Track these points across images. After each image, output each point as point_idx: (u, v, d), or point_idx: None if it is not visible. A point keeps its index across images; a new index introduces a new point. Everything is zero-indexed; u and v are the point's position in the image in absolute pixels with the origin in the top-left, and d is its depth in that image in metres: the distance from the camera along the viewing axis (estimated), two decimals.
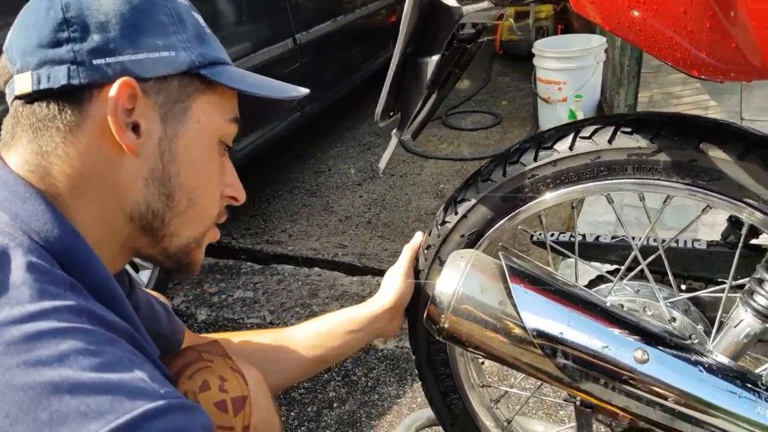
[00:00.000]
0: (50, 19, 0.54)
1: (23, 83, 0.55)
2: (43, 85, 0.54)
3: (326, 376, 1.66)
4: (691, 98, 3.03)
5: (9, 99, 0.57)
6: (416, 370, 1.11)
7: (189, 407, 0.49)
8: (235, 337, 0.92)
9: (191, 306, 2.01)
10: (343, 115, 3.46)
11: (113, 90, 0.54)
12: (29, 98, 0.55)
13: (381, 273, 2.19)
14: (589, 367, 0.70)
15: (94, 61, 0.54)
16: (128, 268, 1.82)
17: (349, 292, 2.04)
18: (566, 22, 4.00)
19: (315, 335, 0.95)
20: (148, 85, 0.56)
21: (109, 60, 0.54)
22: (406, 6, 0.75)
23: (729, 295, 0.82)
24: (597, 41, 2.89)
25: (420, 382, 1.15)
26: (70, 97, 0.55)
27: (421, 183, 2.73)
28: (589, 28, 3.24)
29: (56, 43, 0.54)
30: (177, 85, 0.58)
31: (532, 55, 3.03)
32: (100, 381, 0.44)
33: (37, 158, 0.55)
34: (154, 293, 0.87)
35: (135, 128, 0.56)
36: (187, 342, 0.86)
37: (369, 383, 1.63)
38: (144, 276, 1.82)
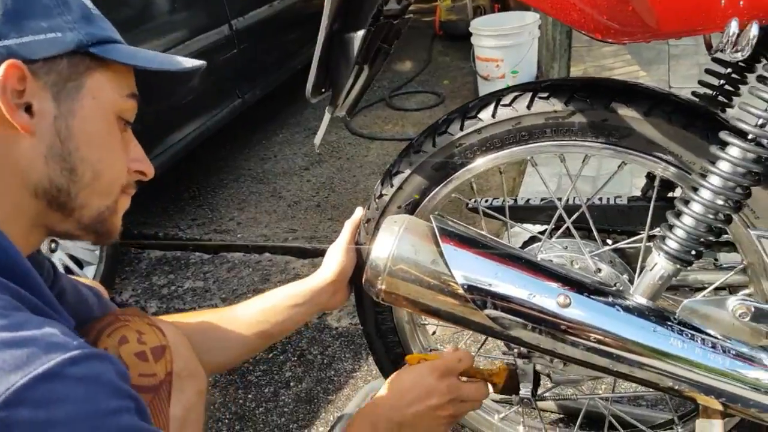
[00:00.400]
0: None
1: None
2: None
3: (282, 357, 1.68)
4: (623, 69, 3.16)
5: None
6: (366, 342, 1.15)
7: (103, 355, 0.52)
8: (181, 318, 0.93)
9: (141, 299, 1.98)
10: (285, 101, 3.44)
11: (0, 73, 0.55)
12: None
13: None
14: (517, 314, 0.75)
15: None
16: (71, 264, 1.78)
17: (301, 275, 2.05)
18: (503, 1, 4.09)
19: (259, 311, 0.97)
20: (36, 66, 0.58)
21: None
22: None
23: (647, 244, 0.89)
24: (531, 18, 2.98)
25: (372, 355, 1.19)
26: None
27: (369, 164, 2.76)
28: (525, 6, 3.32)
29: None
30: (67, 65, 0.60)
31: (471, 35, 3.09)
32: (12, 338, 0.47)
33: None
34: (85, 281, 0.89)
35: (28, 109, 0.58)
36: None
37: (325, 360, 1.66)
38: (89, 272, 1.79)
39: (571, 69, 2.54)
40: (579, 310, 0.74)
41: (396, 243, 0.77)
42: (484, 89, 3.16)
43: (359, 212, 1.07)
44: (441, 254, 0.76)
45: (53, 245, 1.71)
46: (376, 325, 1.11)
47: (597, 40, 0.71)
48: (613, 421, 1.12)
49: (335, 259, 1.01)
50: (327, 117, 0.94)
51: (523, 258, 0.79)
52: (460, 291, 0.75)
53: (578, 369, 0.95)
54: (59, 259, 1.75)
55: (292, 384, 1.59)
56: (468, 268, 0.75)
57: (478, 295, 0.74)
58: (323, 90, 0.92)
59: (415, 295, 0.77)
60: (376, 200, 1.00)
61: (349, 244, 1.03)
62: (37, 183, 0.60)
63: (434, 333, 1.17)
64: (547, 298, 0.74)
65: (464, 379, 0.89)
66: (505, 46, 2.94)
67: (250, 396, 1.56)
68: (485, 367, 0.97)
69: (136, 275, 2.11)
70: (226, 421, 1.50)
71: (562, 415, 1.35)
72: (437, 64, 3.92)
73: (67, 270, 1.77)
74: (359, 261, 1.03)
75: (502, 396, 1.08)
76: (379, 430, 0.83)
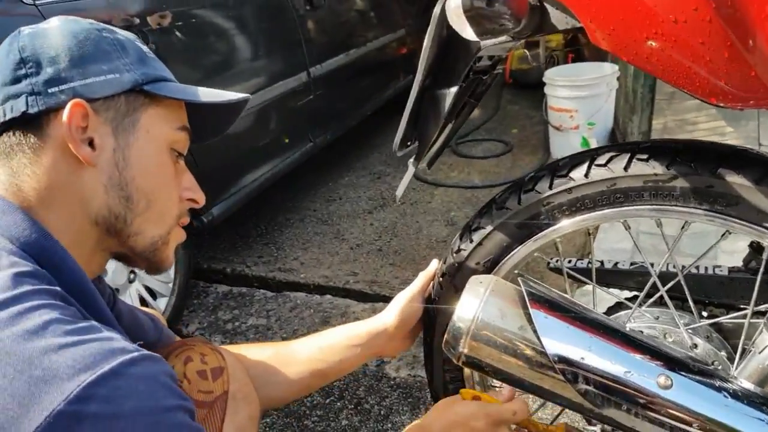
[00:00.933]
0: (10, 60, 0.63)
1: None
2: (8, 116, 0.62)
3: (339, 404, 1.65)
4: (707, 125, 3.03)
5: None
6: (432, 399, 1.10)
7: (158, 358, 0.56)
8: (238, 349, 0.95)
9: (206, 333, 2.01)
10: (353, 145, 3.50)
11: (66, 112, 0.62)
12: None
13: (392, 300, 2.19)
14: (612, 392, 0.69)
15: (49, 90, 0.62)
16: (146, 295, 1.83)
17: (360, 320, 2.03)
18: (577, 51, 4.05)
19: (316, 349, 0.98)
20: (98, 104, 0.64)
21: (61, 87, 0.62)
22: (426, 40, 0.77)
23: (751, 321, 0.82)
24: (609, 69, 2.92)
25: None
26: (31, 123, 0.63)
27: (432, 211, 2.74)
28: (600, 56, 3.28)
29: (16, 80, 0.62)
30: (124, 102, 0.66)
31: (542, 84, 3.07)
32: (81, 340, 0.52)
33: (10, 179, 0.63)
34: (146, 309, 0.95)
35: (91, 143, 0.64)
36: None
37: (382, 411, 1.62)
38: (161, 303, 1.83)
39: (653, 122, 2.45)
40: (682, 393, 0.68)
41: (482, 306, 0.73)
42: (555, 139, 3.10)
43: (434, 265, 1.04)
44: (530, 320, 0.72)
45: (132, 275, 1.77)
46: (444, 384, 1.06)
47: (711, 104, 0.67)
48: None
49: (400, 306, 1.00)
50: (411, 170, 0.93)
51: (620, 331, 0.73)
52: (549, 362, 0.70)
53: None
54: (136, 289, 1.80)
55: None
56: (559, 338, 0.70)
57: (570, 368, 0.69)
58: (408, 143, 0.92)
59: (499, 362, 0.73)
60: (454, 255, 0.97)
61: (418, 295, 1.01)
62: (97, 211, 0.65)
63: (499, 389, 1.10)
64: (647, 377, 0.68)
65: (514, 428, 0.84)
66: (580, 97, 2.89)
67: None
68: (542, 422, 0.90)
69: (203, 309, 2.15)
70: None
71: None
72: (506, 113, 3.91)
73: (142, 300, 1.82)
74: (429, 315, 1.00)
75: None
76: None
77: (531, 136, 3.48)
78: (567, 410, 0.90)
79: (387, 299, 2.18)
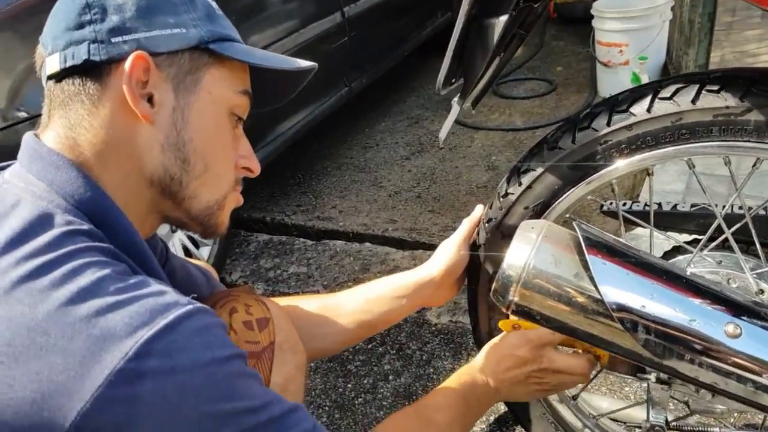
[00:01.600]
0: (75, 5, 0.61)
1: (53, 64, 0.61)
2: (69, 63, 0.60)
3: (381, 349, 1.66)
4: None
5: (43, 81, 0.64)
6: (476, 346, 1.08)
7: (209, 310, 0.56)
8: (285, 301, 0.95)
9: (249, 281, 2.04)
10: (390, 89, 3.41)
11: (128, 63, 0.59)
12: (58, 77, 0.61)
13: (432, 247, 2.16)
14: (674, 342, 0.65)
15: (113, 39, 0.60)
16: (189, 244, 1.86)
17: (400, 267, 2.02)
18: None
19: (363, 301, 0.97)
20: (160, 59, 0.61)
21: (125, 38, 0.60)
22: None
23: None
24: None
25: None
26: (92, 72, 0.60)
27: (472, 155, 2.67)
28: None
29: (80, 26, 0.60)
30: (188, 59, 0.63)
31: (590, 17, 2.89)
32: (136, 296, 0.52)
33: (67, 131, 0.61)
34: (197, 262, 0.95)
35: (150, 99, 0.61)
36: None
37: (424, 357, 1.62)
38: (204, 252, 1.86)
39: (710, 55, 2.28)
40: (752, 341, 0.64)
41: (534, 252, 0.69)
42: (603, 77, 2.94)
43: (479, 210, 1.01)
44: (586, 267, 0.68)
45: (173, 226, 1.79)
46: (489, 332, 1.04)
47: None
48: None
49: (446, 255, 0.97)
50: (456, 109, 0.87)
51: (683, 277, 0.69)
52: (607, 311, 0.66)
53: (729, 402, 0.83)
54: (179, 239, 1.83)
55: (390, 377, 1.57)
56: (618, 285, 0.66)
57: (629, 316, 0.65)
58: (453, 81, 0.86)
59: (551, 311, 0.70)
60: (501, 199, 0.93)
61: (464, 242, 0.99)
62: (153, 171, 0.63)
63: None
64: (714, 325, 0.64)
65: (567, 350, 0.83)
66: (631, 30, 2.70)
67: (349, 386, 1.56)
68: None
69: (245, 257, 2.18)
70: (327, 408, 1.50)
71: None
72: (550, 49, 3.71)
73: (185, 249, 1.85)
74: (473, 262, 0.97)
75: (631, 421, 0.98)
76: (477, 386, 0.84)
77: (577, 73, 3.31)
78: None
79: (426, 246, 2.17)
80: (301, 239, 2.26)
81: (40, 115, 0.65)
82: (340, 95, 2.53)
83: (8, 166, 0.64)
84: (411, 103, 3.31)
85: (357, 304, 0.97)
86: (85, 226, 0.57)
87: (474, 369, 0.86)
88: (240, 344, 0.74)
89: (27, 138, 0.63)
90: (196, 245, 1.86)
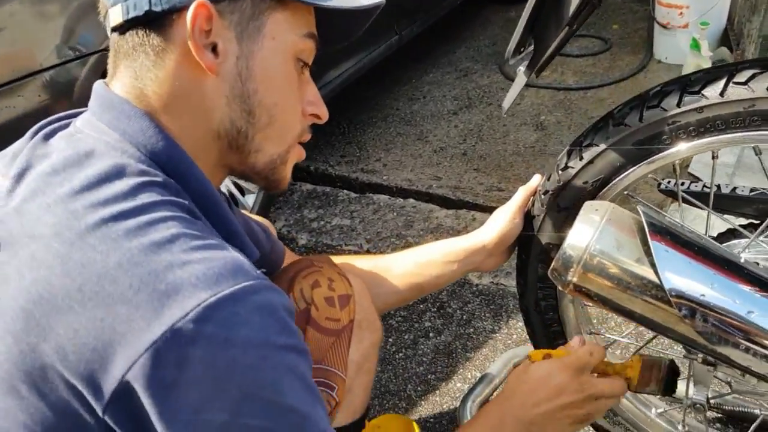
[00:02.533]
0: None
1: (115, 15, 0.60)
2: (131, 14, 0.59)
3: (422, 306, 1.70)
4: None
5: (108, 32, 0.63)
6: (521, 313, 1.11)
7: (276, 289, 0.55)
8: (337, 259, 0.97)
9: (292, 230, 2.09)
10: (440, 39, 3.33)
11: (190, 12, 0.57)
12: (122, 29, 0.61)
13: (476, 207, 2.17)
14: (730, 332, 0.66)
15: None
16: (235, 191, 1.90)
17: (443, 226, 2.04)
18: None
19: (413, 263, 1.00)
20: (222, 6, 0.59)
21: None
22: None
23: None
24: None
25: (522, 322, 1.15)
26: (155, 23, 0.59)
27: (521, 114, 2.62)
28: None
29: None
30: (250, 4, 0.60)
31: None
32: (207, 258, 0.51)
33: (133, 81, 0.61)
34: (256, 217, 0.95)
35: (214, 49, 0.60)
36: (287, 261, 0.93)
37: (464, 316, 1.66)
38: (249, 200, 1.90)
39: None
40: None
41: (597, 234, 0.70)
42: (660, 38, 2.81)
43: (536, 180, 1.01)
44: (648, 253, 0.68)
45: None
46: (536, 301, 1.06)
47: None
48: None
49: (500, 223, 0.98)
50: (522, 79, 0.86)
51: (744, 268, 0.69)
52: (666, 297, 0.67)
53: None
54: (225, 185, 1.87)
55: (431, 335, 1.61)
56: (680, 273, 0.67)
57: (688, 304, 0.66)
58: (522, 49, 0.85)
59: (610, 293, 0.71)
60: (559, 171, 0.93)
61: (518, 211, 0.99)
62: (219, 123, 0.62)
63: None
64: None
65: (596, 375, 0.80)
66: None
67: (390, 340, 1.61)
68: (615, 360, 0.87)
69: (288, 206, 2.23)
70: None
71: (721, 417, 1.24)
72: (606, 5, 3.53)
73: (231, 196, 1.90)
74: (525, 231, 0.98)
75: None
76: (506, 426, 0.77)
77: (633, 33, 3.16)
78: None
79: (470, 206, 2.17)
80: (345, 191, 2.29)
81: (93, 53, 0.65)
82: (389, 43, 2.49)
83: (79, 113, 0.64)
84: (461, 54, 3.23)
85: (407, 267, 1.00)
86: (160, 178, 0.57)
87: (502, 407, 0.79)
88: (321, 320, 0.74)
89: (97, 87, 0.63)
90: (242, 192, 1.90)
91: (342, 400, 0.78)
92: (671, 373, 0.82)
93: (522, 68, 0.89)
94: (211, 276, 0.50)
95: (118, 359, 0.48)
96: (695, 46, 2.50)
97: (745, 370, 0.69)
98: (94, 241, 0.51)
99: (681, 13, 2.64)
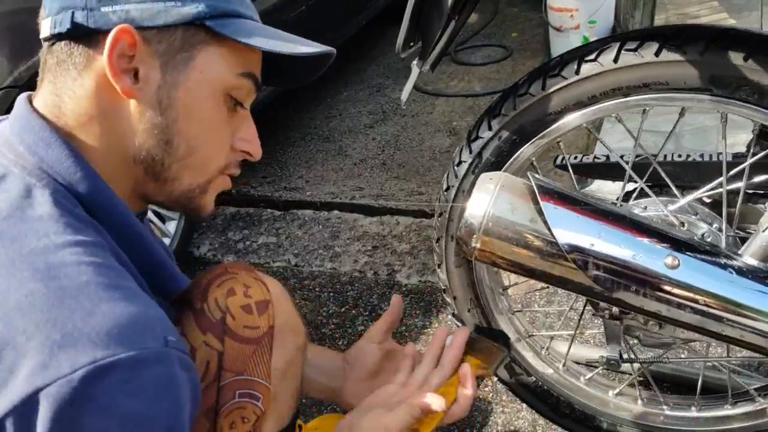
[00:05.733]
0: None
1: (45, 27, 0.60)
2: (57, 28, 0.58)
3: (354, 312, 1.72)
4: (709, 17, 2.93)
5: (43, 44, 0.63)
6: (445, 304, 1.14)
7: (185, 361, 0.52)
8: None
9: (218, 253, 2.06)
10: (349, 57, 3.40)
11: (110, 36, 0.57)
12: (50, 41, 0.60)
13: (399, 212, 2.22)
14: (621, 276, 0.72)
15: (102, 8, 0.57)
16: (155, 218, 1.85)
17: (369, 233, 2.07)
18: None
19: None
20: (150, 34, 0.58)
21: (115, 8, 0.57)
22: None
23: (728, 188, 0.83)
24: None
25: (451, 315, 1.18)
26: (81, 40, 0.59)
27: (434, 122, 2.71)
28: None
29: None
30: (181, 35, 0.59)
31: None
32: (114, 313, 0.48)
33: (53, 97, 0.60)
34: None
35: (136, 74, 0.59)
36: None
37: None
38: (171, 227, 1.86)
39: (654, 18, 2.37)
40: (689, 271, 0.71)
41: (492, 201, 0.75)
42: (556, 41, 3.01)
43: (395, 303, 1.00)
44: (540, 213, 0.74)
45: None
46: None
47: None
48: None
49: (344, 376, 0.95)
50: (415, 71, 0.91)
51: (627, 217, 0.75)
52: (560, 251, 0.72)
53: (673, 332, 0.92)
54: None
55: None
56: (569, 227, 0.72)
57: (580, 256, 0.72)
58: (411, 44, 0.90)
59: (511, 255, 0.76)
60: (471, 143, 0.97)
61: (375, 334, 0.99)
62: (136, 149, 0.61)
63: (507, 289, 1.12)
64: (654, 259, 0.71)
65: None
66: None
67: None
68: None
69: (212, 230, 2.19)
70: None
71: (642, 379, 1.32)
72: (504, 16, 3.75)
73: (150, 222, 1.84)
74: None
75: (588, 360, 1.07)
76: None
77: (531, 39, 3.37)
78: None
79: (394, 211, 2.22)
80: (269, 210, 2.28)
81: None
82: None
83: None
84: (371, 72, 3.32)
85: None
86: (78, 210, 0.55)
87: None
88: (239, 330, 0.71)
89: (20, 101, 0.62)
90: (162, 219, 1.86)
91: (267, 409, 0.75)
92: (487, 333, 0.88)
93: (414, 62, 0.93)
94: (114, 335, 0.47)
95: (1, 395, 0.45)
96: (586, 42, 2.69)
97: (640, 312, 0.75)
98: (7, 274, 0.48)
99: (572, 16, 2.85)
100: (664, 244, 0.72)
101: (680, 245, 0.73)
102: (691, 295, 0.72)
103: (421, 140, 2.58)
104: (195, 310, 0.72)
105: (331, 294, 1.80)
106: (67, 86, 0.59)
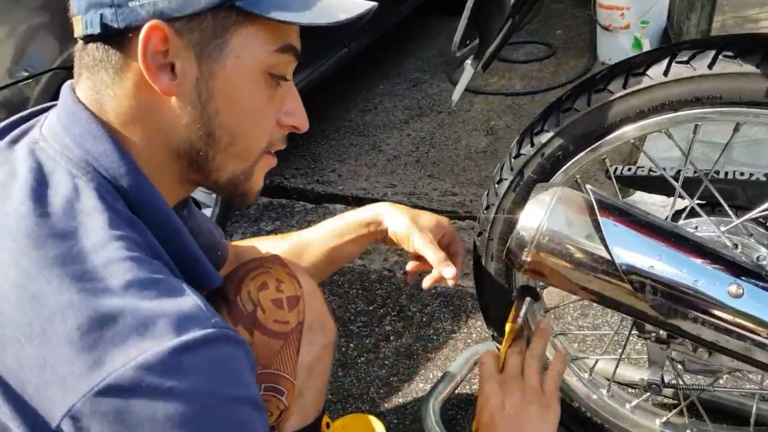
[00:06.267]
0: None
1: (77, 26, 0.58)
2: (89, 30, 0.57)
3: (381, 311, 1.70)
4: None
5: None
6: (480, 310, 1.11)
7: (237, 340, 0.53)
8: (253, 242, 0.98)
9: None
10: (388, 51, 3.37)
11: (141, 35, 0.55)
12: (84, 40, 0.59)
13: (431, 212, 2.19)
14: (680, 302, 0.68)
15: (130, 3, 0.55)
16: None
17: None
18: None
19: (329, 234, 0.99)
20: (180, 25, 0.56)
21: (142, 1, 0.55)
22: None
23: None
24: None
25: (481, 321, 1.15)
26: (114, 40, 0.57)
27: (471, 120, 2.67)
28: None
29: None
30: (211, 21, 0.57)
31: None
32: (159, 306, 0.49)
33: (94, 95, 0.59)
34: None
35: (173, 68, 0.58)
36: (230, 249, 0.94)
37: (424, 318, 1.66)
38: (206, 213, 1.87)
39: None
40: (753, 301, 0.67)
41: (547, 215, 0.71)
42: (603, 40, 2.92)
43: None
44: (597, 229, 0.70)
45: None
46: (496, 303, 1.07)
47: None
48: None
49: (407, 226, 0.96)
50: (470, 71, 0.88)
51: (690, 239, 0.71)
52: (617, 271, 0.69)
53: (724, 360, 0.87)
54: None
55: (392, 338, 1.60)
56: (628, 247, 0.68)
57: (638, 277, 0.68)
58: (468, 42, 0.86)
59: (564, 271, 0.72)
60: (512, 160, 0.94)
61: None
62: (179, 144, 0.61)
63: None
64: (717, 286, 0.67)
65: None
66: None
67: (351, 345, 1.60)
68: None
69: (245, 219, 2.19)
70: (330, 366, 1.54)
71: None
72: (549, 12, 3.66)
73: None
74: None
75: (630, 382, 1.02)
76: None
77: (576, 37, 3.28)
78: None
79: (426, 211, 2.19)
80: (301, 202, 2.27)
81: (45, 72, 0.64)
82: (339, 56, 2.50)
83: (43, 111, 0.62)
84: (409, 65, 3.27)
85: (323, 239, 0.99)
86: (120, 205, 0.55)
87: None
88: (268, 323, 0.73)
89: (65, 91, 0.61)
90: (199, 206, 1.86)
91: (291, 404, 0.76)
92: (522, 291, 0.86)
93: (469, 61, 0.90)
94: (161, 325, 0.49)
95: (56, 402, 0.46)
96: (637, 45, 2.61)
97: (696, 340, 0.71)
98: (50, 275, 0.49)
99: (622, 15, 2.76)
100: (728, 271, 0.68)
101: (745, 273, 0.69)
102: (753, 326, 0.68)
103: (457, 138, 2.54)
104: (228, 301, 0.74)
105: (360, 291, 1.78)
106: (106, 85, 0.59)
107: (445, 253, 0.92)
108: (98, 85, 0.59)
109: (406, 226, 0.94)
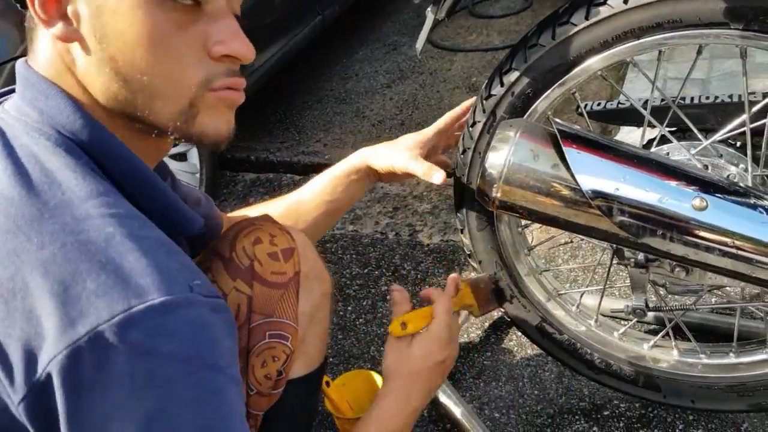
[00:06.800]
0: None
1: None
2: None
3: (377, 272, 1.72)
4: None
5: None
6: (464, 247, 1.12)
7: (221, 307, 0.53)
8: (253, 210, 1.01)
9: None
10: (364, 16, 3.33)
11: None
12: (22, 4, 0.57)
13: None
14: (647, 220, 0.70)
15: None
16: None
17: (390, 194, 2.06)
18: None
19: (322, 188, 1.02)
20: None
21: None
22: None
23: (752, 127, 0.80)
24: None
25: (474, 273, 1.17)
26: (22, 2, 0.56)
27: (452, 78, 2.65)
28: None
29: None
30: None
31: None
32: (142, 262, 0.49)
33: (38, 59, 0.59)
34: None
35: (65, 16, 0.55)
36: (225, 219, 0.96)
37: (418, 275, 1.69)
38: None
39: None
40: (717, 213, 0.69)
41: (512, 149, 0.73)
42: None
43: (465, 104, 1.03)
44: (562, 159, 0.72)
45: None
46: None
47: None
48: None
49: (396, 154, 0.99)
50: (430, 18, 0.88)
51: (652, 159, 0.73)
52: (584, 197, 0.70)
53: (700, 278, 0.90)
54: None
55: (388, 297, 1.63)
56: (593, 173, 0.70)
57: (605, 201, 0.70)
58: None
59: (533, 203, 0.74)
60: (483, 102, 0.95)
61: (425, 141, 1.01)
62: (102, 97, 0.57)
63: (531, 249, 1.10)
64: (681, 201, 0.69)
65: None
66: None
67: (349, 308, 1.62)
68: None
69: (233, 197, 2.20)
70: (330, 330, 1.57)
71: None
72: None
73: None
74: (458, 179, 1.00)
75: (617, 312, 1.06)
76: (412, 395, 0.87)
77: None
78: None
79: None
80: (289, 175, 2.28)
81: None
82: (313, 24, 2.48)
83: (12, 91, 0.62)
84: (387, 29, 3.24)
85: (318, 195, 1.02)
86: (85, 159, 0.54)
87: (399, 381, 0.87)
88: (266, 275, 0.74)
89: (18, 65, 0.61)
90: None
91: (296, 349, 0.79)
92: (495, 283, 0.97)
93: (429, 8, 0.90)
94: (145, 283, 0.48)
95: (40, 353, 0.47)
96: None
97: (667, 256, 0.73)
98: (30, 232, 0.49)
99: None
100: (691, 186, 0.70)
101: (708, 186, 0.71)
102: (720, 237, 0.70)
103: (439, 98, 2.54)
104: (224, 259, 0.75)
105: (354, 256, 1.81)
106: (37, 47, 0.59)
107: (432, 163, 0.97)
108: (35, 47, 0.59)
109: (388, 156, 0.99)
